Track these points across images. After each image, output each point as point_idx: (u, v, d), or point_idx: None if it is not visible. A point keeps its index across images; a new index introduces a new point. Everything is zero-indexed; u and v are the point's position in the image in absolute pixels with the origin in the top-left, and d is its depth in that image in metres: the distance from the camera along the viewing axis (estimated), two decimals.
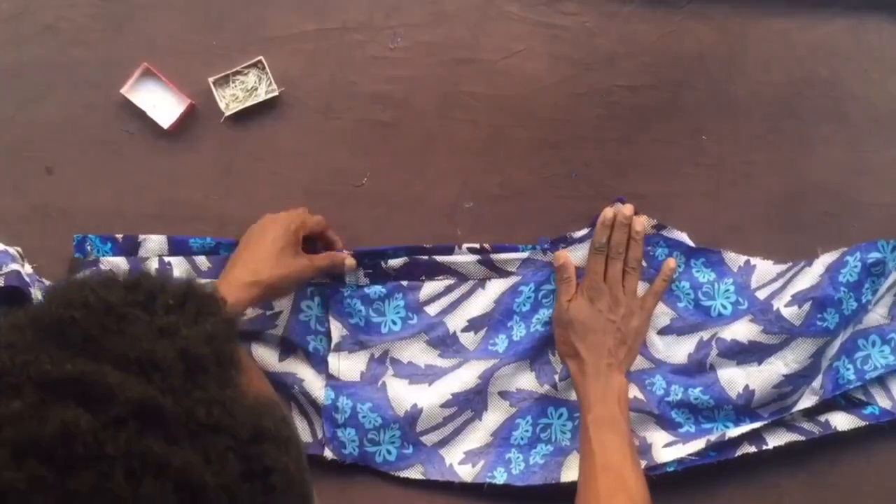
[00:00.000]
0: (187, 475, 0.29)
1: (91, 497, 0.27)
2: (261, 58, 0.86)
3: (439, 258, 0.84)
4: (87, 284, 0.34)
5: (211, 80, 0.85)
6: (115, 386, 0.30)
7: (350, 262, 0.82)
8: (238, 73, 0.86)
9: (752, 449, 0.80)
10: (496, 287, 0.84)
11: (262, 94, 0.86)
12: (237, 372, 0.35)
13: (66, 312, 0.32)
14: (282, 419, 0.35)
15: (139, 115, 0.86)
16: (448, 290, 0.84)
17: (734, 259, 0.84)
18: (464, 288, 0.84)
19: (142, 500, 0.28)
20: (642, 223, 0.81)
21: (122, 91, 0.85)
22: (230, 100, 0.86)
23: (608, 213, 0.81)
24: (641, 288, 0.82)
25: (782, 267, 0.83)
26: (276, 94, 0.86)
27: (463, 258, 0.84)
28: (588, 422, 0.75)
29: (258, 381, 0.38)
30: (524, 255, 0.84)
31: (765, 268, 0.83)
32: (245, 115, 0.87)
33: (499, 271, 0.84)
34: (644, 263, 0.83)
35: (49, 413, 0.28)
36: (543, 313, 0.84)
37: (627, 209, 0.81)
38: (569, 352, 0.81)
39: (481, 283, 0.85)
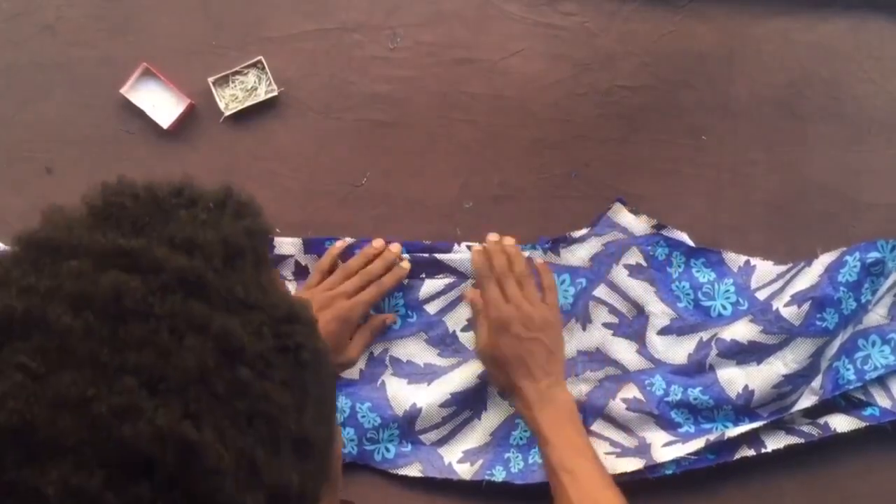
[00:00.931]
0: (227, 337, 0.31)
1: (139, 347, 0.30)
2: (260, 58, 0.86)
3: (439, 256, 0.84)
4: (136, 183, 0.36)
5: (210, 80, 0.86)
6: (161, 259, 0.32)
7: (391, 320, 0.84)
8: (238, 73, 0.86)
9: (751, 452, 0.80)
10: None
11: (261, 94, 0.86)
12: (269, 268, 0.37)
13: (117, 199, 0.35)
14: (310, 310, 0.38)
15: (139, 114, 0.86)
16: (448, 287, 0.84)
17: (734, 259, 0.84)
18: (464, 286, 0.85)
19: (185, 352, 0.30)
20: (511, 239, 0.83)
21: (122, 91, 0.85)
22: (230, 100, 0.86)
23: (476, 250, 0.82)
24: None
25: (782, 268, 0.83)
26: (275, 94, 0.86)
27: (463, 256, 0.84)
28: (551, 458, 0.73)
29: (286, 290, 0.40)
30: (524, 255, 0.84)
31: (765, 268, 0.83)
32: (245, 115, 0.87)
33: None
34: (644, 263, 0.83)
35: (102, 276, 0.31)
36: None
37: (492, 236, 0.83)
38: (506, 386, 0.79)
39: None
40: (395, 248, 0.83)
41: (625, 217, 0.84)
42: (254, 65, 0.86)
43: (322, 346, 0.37)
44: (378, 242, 0.84)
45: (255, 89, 0.86)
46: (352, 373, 0.84)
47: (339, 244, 0.84)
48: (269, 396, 0.32)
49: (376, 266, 0.82)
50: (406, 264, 0.83)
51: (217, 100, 0.86)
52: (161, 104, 0.86)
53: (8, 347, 0.29)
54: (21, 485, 0.27)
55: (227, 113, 0.86)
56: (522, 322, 0.78)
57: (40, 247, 0.33)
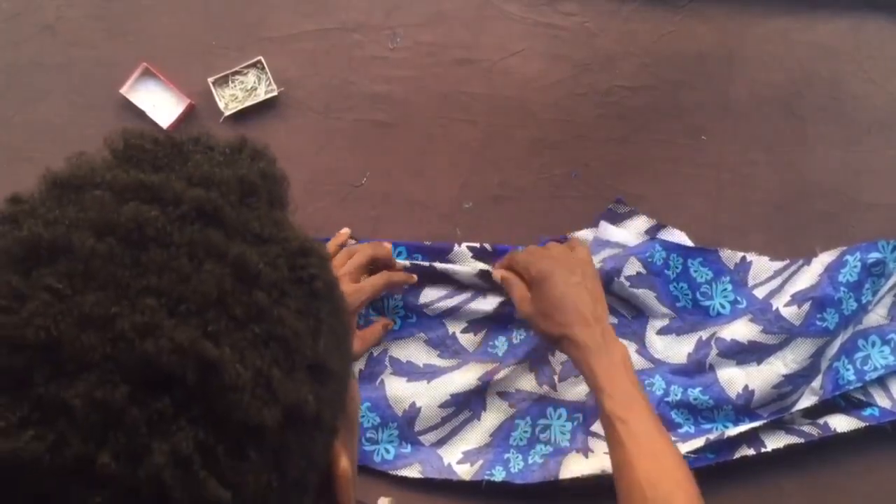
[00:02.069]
0: (244, 264, 0.33)
1: (159, 271, 0.31)
2: (260, 58, 0.86)
3: (439, 266, 0.83)
4: (156, 131, 0.38)
5: (210, 80, 0.86)
6: (180, 191, 0.34)
7: (390, 325, 0.84)
8: (237, 73, 0.86)
9: (751, 452, 0.80)
10: (496, 295, 0.84)
11: (261, 94, 0.86)
12: (284, 208, 0.39)
13: (138, 142, 0.37)
14: (323, 247, 0.39)
15: (139, 115, 0.86)
16: (448, 295, 0.84)
17: (730, 256, 0.84)
18: (464, 294, 0.84)
19: (204, 276, 0.31)
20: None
21: (122, 91, 0.85)
22: (229, 100, 0.86)
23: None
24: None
25: (779, 264, 0.83)
26: (275, 94, 0.86)
27: (464, 269, 0.83)
28: (607, 409, 0.71)
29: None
30: None
31: (761, 264, 0.83)
32: (244, 115, 0.87)
33: (499, 288, 0.83)
34: (643, 270, 0.82)
35: (124, 207, 0.32)
36: None
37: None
38: (557, 338, 0.76)
39: (482, 292, 0.84)
40: (401, 266, 0.83)
41: (614, 233, 0.84)
42: (254, 65, 0.86)
43: (334, 279, 0.38)
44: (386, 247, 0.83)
45: (255, 89, 0.86)
46: None
47: (344, 231, 0.84)
48: (284, 321, 0.33)
49: (384, 250, 0.81)
50: (413, 278, 0.83)
51: (217, 100, 0.86)
52: (161, 104, 0.86)
53: (35, 271, 0.30)
54: (48, 398, 0.28)
55: (227, 113, 0.86)
56: (566, 268, 0.76)
57: (64, 184, 0.34)
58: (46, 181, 0.35)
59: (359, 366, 0.84)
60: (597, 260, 0.83)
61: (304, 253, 0.36)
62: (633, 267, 0.82)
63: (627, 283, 0.82)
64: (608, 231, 0.84)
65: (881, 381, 0.82)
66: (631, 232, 0.85)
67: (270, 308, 0.32)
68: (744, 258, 0.83)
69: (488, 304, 0.84)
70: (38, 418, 0.28)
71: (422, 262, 0.84)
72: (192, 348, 0.29)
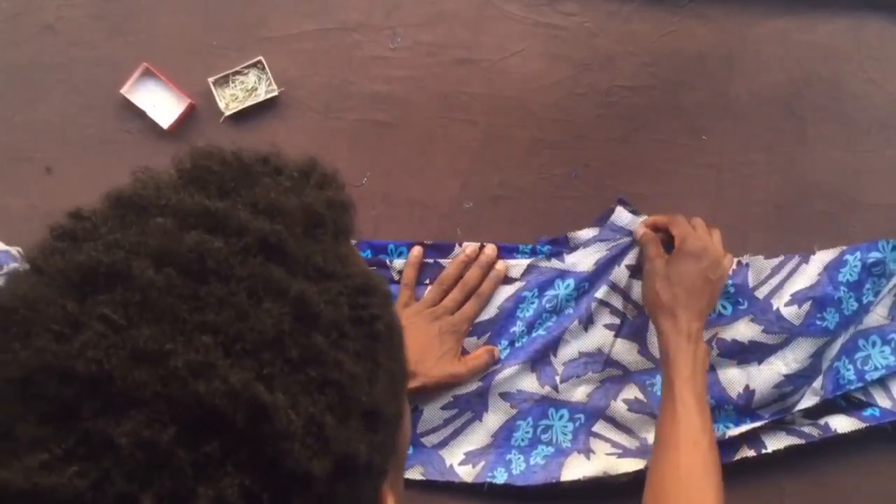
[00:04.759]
0: (304, 304, 0.32)
1: (218, 307, 0.30)
2: (260, 58, 0.86)
3: (444, 262, 0.84)
4: (225, 149, 0.37)
5: (211, 80, 0.85)
6: (244, 221, 0.33)
7: (498, 353, 0.84)
8: (238, 73, 0.86)
9: (751, 452, 0.80)
10: (500, 293, 0.84)
11: (261, 94, 0.86)
12: (348, 241, 0.38)
13: (206, 163, 0.36)
14: (386, 284, 0.38)
15: (139, 115, 0.86)
16: None
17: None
18: None
19: (262, 315, 0.30)
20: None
21: (122, 91, 0.85)
22: (230, 100, 0.86)
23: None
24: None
25: (775, 261, 0.83)
26: (275, 94, 0.86)
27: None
28: (676, 390, 0.71)
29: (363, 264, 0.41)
30: (527, 261, 0.84)
31: (758, 264, 0.83)
32: (245, 115, 0.87)
33: (504, 279, 0.84)
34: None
35: (186, 235, 0.32)
36: (546, 319, 0.84)
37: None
38: (664, 307, 0.76)
39: None
40: (490, 250, 0.83)
41: (626, 218, 0.84)
42: (254, 65, 0.86)
43: (396, 320, 0.37)
44: (471, 249, 0.84)
45: (255, 89, 0.86)
46: None
47: (416, 252, 0.84)
48: (341, 365, 0.32)
49: (474, 275, 0.83)
50: (501, 265, 0.83)
51: (217, 100, 0.86)
52: (161, 104, 0.86)
53: (91, 299, 0.30)
54: (95, 434, 0.27)
55: (228, 113, 0.86)
56: (713, 262, 0.77)
57: (128, 204, 0.34)
58: (110, 198, 0.34)
59: None
60: (605, 247, 0.83)
61: (366, 291, 0.35)
62: (635, 258, 0.82)
63: (627, 273, 0.82)
64: (621, 216, 0.83)
65: (882, 382, 0.82)
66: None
67: (328, 351, 0.31)
68: (739, 262, 0.83)
69: (493, 300, 0.84)
70: (84, 453, 0.27)
71: (426, 260, 0.84)
72: (244, 391, 0.29)
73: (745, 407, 0.81)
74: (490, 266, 0.83)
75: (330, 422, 0.31)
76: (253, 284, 0.31)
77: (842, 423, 0.80)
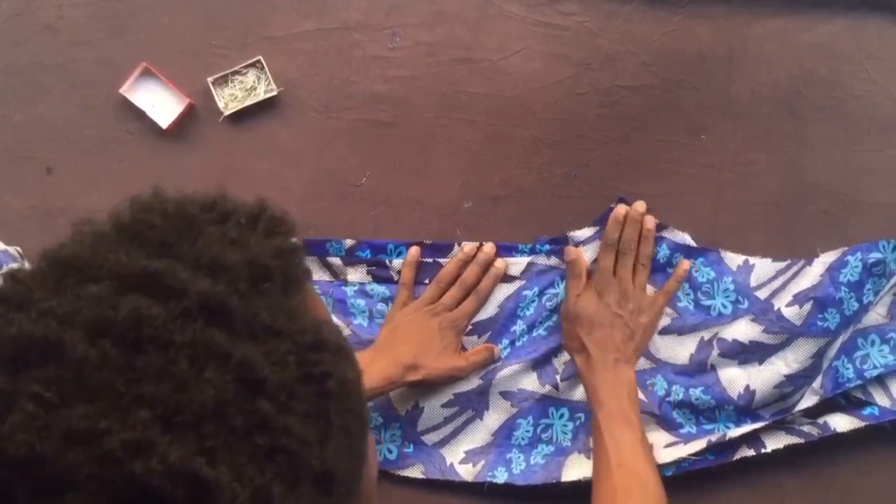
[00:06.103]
0: (248, 368, 0.30)
1: (156, 378, 0.29)
2: (260, 57, 0.86)
3: (443, 261, 0.84)
4: (168, 198, 0.36)
5: (210, 79, 0.85)
6: (185, 282, 0.31)
7: (498, 351, 0.84)
8: (237, 72, 0.86)
9: (751, 452, 0.80)
10: (500, 292, 0.84)
11: (260, 94, 0.86)
12: (300, 290, 0.36)
13: (145, 217, 0.34)
14: (340, 335, 0.37)
15: (139, 114, 0.86)
16: None
17: (732, 258, 0.84)
18: None
19: (203, 384, 0.29)
20: (653, 221, 0.82)
21: (122, 91, 0.85)
22: (229, 99, 0.86)
23: (621, 209, 0.82)
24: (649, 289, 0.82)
25: (781, 264, 0.83)
26: (274, 93, 0.86)
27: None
28: (600, 419, 0.75)
29: (320, 308, 0.39)
30: (527, 259, 0.84)
31: (763, 266, 0.83)
32: (244, 115, 0.86)
33: (504, 277, 0.84)
34: None
35: (123, 300, 0.30)
36: (546, 318, 0.84)
37: (640, 206, 0.82)
38: (576, 346, 0.81)
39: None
40: (489, 248, 0.84)
41: None
42: (253, 64, 0.86)
43: (351, 373, 0.36)
44: (469, 247, 0.84)
45: (255, 89, 0.86)
46: None
47: (414, 252, 0.84)
48: (289, 430, 0.30)
49: (472, 273, 0.83)
50: (500, 263, 0.84)
51: (216, 99, 0.86)
52: (161, 104, 0.86)
53: (23, 374, 0.29)
54: None
55: (227, 113, 0.86)
56: (618, 298, 0.79)
57: (64, 265, 0.32)
58: (48, 258, 0.33)
59: None
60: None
61: (317, 347, 0.33)
62: None
63: None
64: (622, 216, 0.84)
65: (881, 380, 0.82)
66: None
67: (275, 416, 0.30)
68: (746, 261, 0.83)
69: (493, 299, 0.84)
70: None
71: (426, 259, 0.84)
72: (184, 468, 0.28)
73: (746, 407, 0.81)
74: (488, 264, 0.84)
75: (279, 491, 0.29)
76: (193, 352, 0.30)
77: (841, 422, 0.80)
